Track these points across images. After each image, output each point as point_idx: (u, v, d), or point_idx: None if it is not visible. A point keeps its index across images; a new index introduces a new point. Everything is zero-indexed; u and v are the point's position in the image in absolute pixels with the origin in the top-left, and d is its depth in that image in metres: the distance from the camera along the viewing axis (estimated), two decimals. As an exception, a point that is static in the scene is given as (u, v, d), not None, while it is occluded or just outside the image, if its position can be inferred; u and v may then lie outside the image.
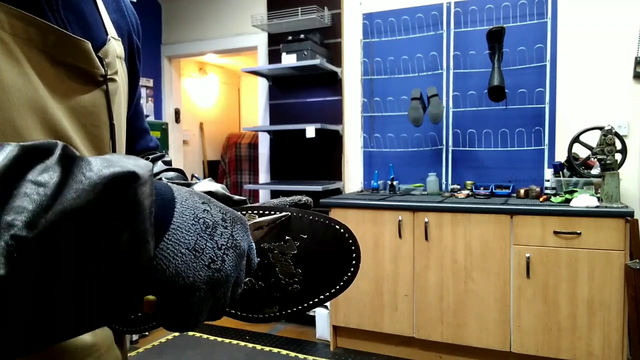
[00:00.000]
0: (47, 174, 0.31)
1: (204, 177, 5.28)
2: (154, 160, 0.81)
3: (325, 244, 0.59)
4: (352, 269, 0.59)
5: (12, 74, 0.44)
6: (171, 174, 0.79)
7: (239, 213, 0.45)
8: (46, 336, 0.33)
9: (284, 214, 0.59)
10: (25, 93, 0.45)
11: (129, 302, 0.37)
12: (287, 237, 0.59)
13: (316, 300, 0.59)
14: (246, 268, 0.45)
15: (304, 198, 0.67)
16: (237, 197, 0.68)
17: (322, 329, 3.11)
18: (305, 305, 0.59)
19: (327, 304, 2.92)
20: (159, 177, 0.77)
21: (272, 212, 0.60)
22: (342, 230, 0.59)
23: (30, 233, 0.29)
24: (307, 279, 0.59)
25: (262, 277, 0.59)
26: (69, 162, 0.32)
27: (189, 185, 0.73)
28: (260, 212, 0.60)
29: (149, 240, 0.35)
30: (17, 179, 0.30)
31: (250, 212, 0.59)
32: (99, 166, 0.33)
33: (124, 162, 0.34)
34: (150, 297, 0.37)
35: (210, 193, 0.68)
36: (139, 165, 0.35)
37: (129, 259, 0.34)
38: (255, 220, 0.57)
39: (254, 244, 0.47)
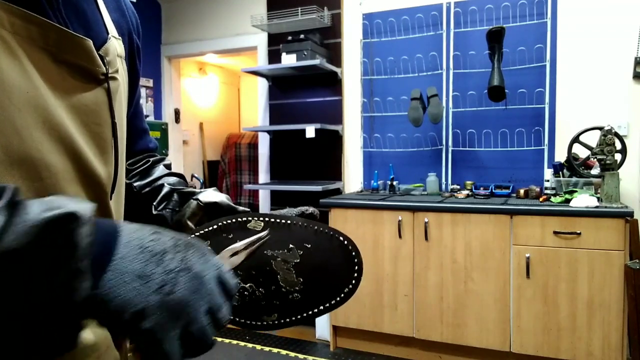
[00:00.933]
0: None
1: (204, 178, 5.29)
2: (154, 163, 0.81)
3: (328, 255, 0.59)
4: (353, 282, 0.59)
5: (13, 72, 0.44)
6: (173, 179, 0.79)
7: (196, 241, 0.45)
8: None
9: (262, 235, 0.58)
10: (26, 92, 0.45)
11: (71, 334, 0.38)
12: (290, 246, 0.59)
13: (315, 310, 0.59)
14: (224, 292, 0.44)
15: (311, 209, 0.67)
16: (241, 207, 0.68)
17: (322, 329, 3.11)
18: (305, 315, 0.59)
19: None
20: (160, 181, 0.77)
21: (279, 220, 0.59)
22: (345, 242, 0.59)
23: None
24: (307, 288, 0.59)
25: (263, 284, 0.59)
26: (13, 208, 0.34)
27: (192, 193, 0.73)
28: (266, 219, 0.60)
29: (84, 277, 0.36)
30: None
31: (255, 219, 0.60)
32: (37, 209, 0.35)
33: (65, 203, 0.36)
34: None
35: (215, 204, 0.69)
36: (79, 206, 0.36)
37: (66, 294, 0.35)
38: (229, 247, 0.56)
39: (225, 267, 0.46)
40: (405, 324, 2.73)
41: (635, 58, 2.73)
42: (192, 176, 4.44)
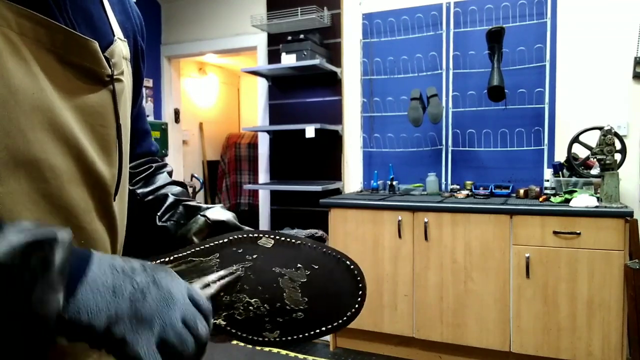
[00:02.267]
0: None
1: (204, 178, 5.29)
2: (157, 170, 0.81)
3: (334, 277, 0.61)
4: (356, 306, 0.60)
5: (19, 73, 0.44)
6: (176, 189, 0.79)
7: (163, 267, 0.47)
8: None
9: (234, 270, 0.59)
10: (31, 93, 0.45)
11: (40, 350, 0.39)
12: (299, 265, 0.60)
13: (317, 331, 0.60)
14: (198, 309, 0.46)
15: (320, 232, 0.69)
16: (247, 227, 0.69)
17: (322, 329, 3.11)
18: (306, 334, 0.60)
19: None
20: (163, 190, 0.77)
21: (289, 239, 0.61)
22: (352, 267, 0.61)
23: None
24: (311, 308, 0.60)
25: (269, 300, 0.60)
26: None
27: (199, 208, 0.73)
28: (276, 237, 0.61)
29: (58, 289, 0.38)
30: None
31: (266, 236, 0.61)
32: (16, 233, 0.36)
33: (42, 227, 0.38)
34: None
35: (221, 222, 0.69)
36: (55, 231, 0.38)
37: (40, 308, 0.36)
38: (200, 279, 0.58)
39: (195, 287, 0.48)
40: (405, 324, 2.74)
41: (635, 58, 2.73)
42: (192, 176, 4.44)
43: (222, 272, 0.59)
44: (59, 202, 0.49)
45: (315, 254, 0.61)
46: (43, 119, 0.46)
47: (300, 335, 0.60)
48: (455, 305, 2.61)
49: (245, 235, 0.61)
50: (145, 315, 0.41)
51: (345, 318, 0.60)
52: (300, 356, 2.89)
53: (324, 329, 0.60)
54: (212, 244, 0.61)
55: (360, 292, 0.61)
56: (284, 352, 2.94)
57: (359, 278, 0.61)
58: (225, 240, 0.61)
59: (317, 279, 0.60)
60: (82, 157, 0.51)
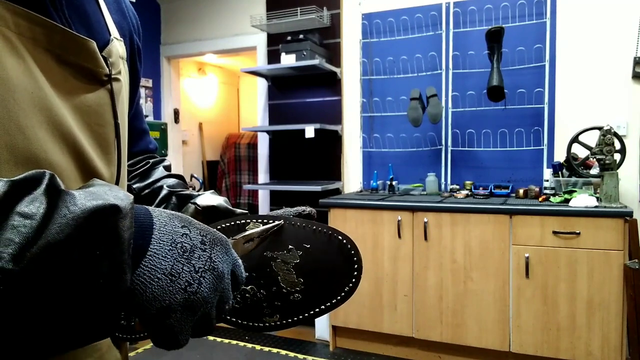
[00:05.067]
0: (33, 206, 0.34)
1: (203, 178, 5.29)
2: (154, 165, 0.81)
3: (327, 254, 0.59)
4: (353, 280, 0.59)
5: (17, 72, 0.44)
6: (172, 180, 0.79)
7: (220, 234, 0.47)
8: (37, 355, 0.37)
9: (275, 223, 0.59)
10: (30, 92, 0.45)
11: (111, 324, 0.41)
12: (290, 247, 0.59)
13: (317, 310, 0.60)
14: (233, 284, 0.47)
15: (308, 209, 0.68)
16: (239, 210, 0.69)
17: (322, 329, 3.11)
18: (306, 315, 0.60)
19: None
20: (159, 183, 0.78)
21: (271, 221, 0.60)
22: (344, 241, 0.60)
23: (17, 266, 0.32)
24: (308, 288, 0.59)
25: (264, 285, 0.59)
26: (55, 195, 0.35)
27: (190, 196, 0.73)
28: (264, 220, 0.60)
29: (126, 271, 0.38)
30: (6, 212, 0.33)
31: (253, 221, 0.60)
32: (83, 200, 0.36)
33: (107, 195, 0.37)
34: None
35: (212, 207, 0.69)
36: (120, 198, 0.38)
37: (107, 287, 0.37)
38: (244, 234, 0.57)
39: (239, 261, 0.48)
40: (404, 324, 2.74)
41: (635, 58, 2.73)
42: (192, 176, 4.43)
43: (264, 227, 0.58)
44: None
45: (305, 233, 0.60)
46: (42, 118, 0.46)
47: (301, 316, 0.60)
48: (454, 305, 2.61)
49: (232, 224, 0.61)
50: (195, 305, 0.41)
51: (343, 294, 0.59)
52: (300, 356, 2.89)
53: (323, 307, 0.59)
54: None
55: (356, 266, 0.59)
56: (283, 352, 2.94)
57: (352, 252, 0.59)
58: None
59: (311, 258, 0.59)
60: (81, 155, 0.51)
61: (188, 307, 0.41)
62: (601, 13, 2.81)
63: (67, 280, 0.35)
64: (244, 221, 0.61)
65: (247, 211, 0.67)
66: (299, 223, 0.60)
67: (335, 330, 2.99)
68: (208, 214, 0.69)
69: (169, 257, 0.41)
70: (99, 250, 0.36)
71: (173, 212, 0.45)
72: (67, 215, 0.34)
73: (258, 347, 3.03)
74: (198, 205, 0.70)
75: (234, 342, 3.10)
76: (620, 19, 2.77)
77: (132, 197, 0.40)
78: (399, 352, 2.82)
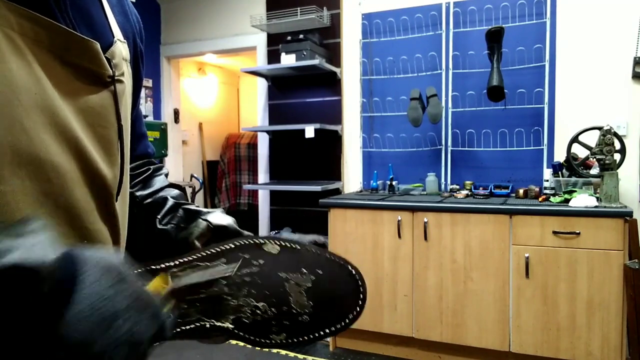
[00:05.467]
0: None
1: (203, 178, 5.28)
2: (154, 172, 0.81)
3: (337, 282, 0.64)
4: (358, 309, 0.64)
5: (21, 73, 0.44)
6: (174, 192, 0.79)
7: (152, 296, 0.44)
8: None
9: (223, 271, 0.60)
10: (34, 93, 0.45)
11: None
12: (304, 270, 0.62)
13: (322, 333, 0.63)
14: (155, 339, 0.43)
15: (322, 239, 0.74)
16: (246, 232, 0.70)
17: (322, 329, 3.11)
18: (311, 336, 0.63)
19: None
20: (162, 193, 0.78)
21: (287, 244, 0.63)
22: (354, 272, 0.65)
23: None
24: (316, 312, 0.62)
25: (275, 304, 0.62)
26: None
27: (199, 212, 0.74)
28: (282, 243, 0.63)
29: (28, 341, 0.36)
30: None
31: (272, 242, 0.63)
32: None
33: (27, 252, 0.35)
34: None
35: (222, 227, 0.71)
36: (41, 259, 0.35)
37: (11, 350, 0.35)
38: (190, 282, 0.58)
39: (167, 322, 0.45)
40: (404, 324, 2.74)
41: (635, 58, 2.73)
42: (192, 176, 4.43)
43: (211, 277, 0.60)
44: (62, 202, 0.49)
45: (320, 260, 0.63)
46: (46, 119, 0.46)
47: (306, 337, 0.62)
48: (454, 305, 2.61)
49: (251, 241, 0.63)
50: None
51: (347, 320, 0.63)
52: (300, 356, 2.89)
53: (327, 331, 0.63)
54: (218, 249, 0.62)
55: (362, 296, 0.64)
56: (283, 352, 2.94)
57: (360, 282, 0.65)
58: (232, 245, 0.62)
59: (322, 284, 0.62)
60: (84, 157, 0.51)
61: None
62: (601, 13, 2.81)
63: None
64: (263, 241, 0.63)
65: (252, 234, 0.68)
66: (314, 250, 0.63)
67: (335, 330, 2.99)
68: (217, 233, 0.71)
69: (84, 323, 0.37)
70: (4, 315, 0.34)
71: (109, 263, 0.41)
72: None
73: (263, 348, 3.03)
74: (210, 223, 0.71)
75: (234, 342, 3.10)
76: (620, 19, 2.77)
77: (56, 255, 0.37)
78: (399, 352, 2.82)
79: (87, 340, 0.37)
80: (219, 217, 0.72)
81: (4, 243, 0.35)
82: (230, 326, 0.60)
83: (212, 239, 0.71)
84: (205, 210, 0.74)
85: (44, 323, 0.36)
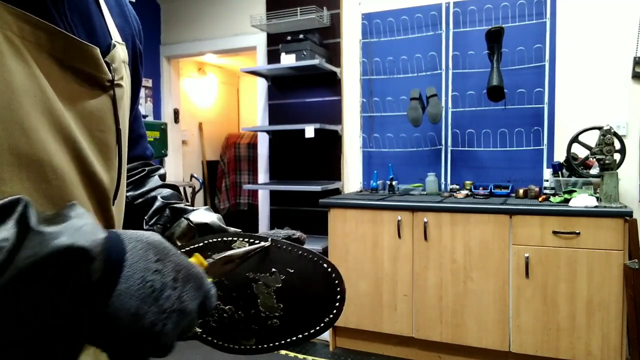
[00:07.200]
0: (3, 235, 0.34)
1: (203, 178, 5.28)
2: (149, 173, 0.80)
3: (310, 281, 0.57)
4: (335, 311, 0.57)
5: (22, 75, 0.44)
6: (166, 191, 0.78)
7: (196, 270, 0.45)
8: None
9: (260, 244, 0.57)
10: (34, 95, 0.45)
11: (70, 354, 0.41)
12: (273, 270, 0.57)
13: (294, 338, 0.58)
14: (200, 314, 0.46)
15: (298, 233, 0.65)
16: (232, 229, 0.68)
17: (322, 329, 3.11)
18: (282, 342, 0.58)
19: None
20: (153, 193, 0.77)
21: (257, 241, 0.58)
22: (329, 270, 0.57)
23: None
24: (287, 315, 0.57)
25: (243, 307, 0.58)
26: (24, 229, 0.35)
27: (184, 210, 0.72)
28: (251, 240, 0.58)
29: (83, 316, 0.38)
30: None
31: (240, 239, 0.59)
32: (49, 239, 0.36)
33: (78, 233, 0.37)
34: None
35: (205, 225, 0.68)
36: (90, 239, 0.37)
37: (68, 324, 0.38)
38: (225, 254, 0.56)
39: (212, 292, 0.47)
40: (404, 324, 2.74)
41: (634, 58, 2.73)
42: (192, 176, 4.43)
43: (248, 248, 0.57)
44: (61, 204, 0.48)
45: (291, 257, 0.58)
46: (45, 121, 0.46)
47: (277, 343, 0.58)
48: (454, 305, 2.61)
49: (219, 240, 0.59)
50: (156, 344, 0.41)
51: (322, 324, 0.57)
52: (300, 356, 2.89)
53: (300, 336, 0.58)
54: (187, 249, 0.59)
55: (339, 297, 0.57)
56: (283, 351, 2.94)
57: (337, 282, 0.57)
58: (201, 244, 0.59)
59: (293, 284, 0.57)
60: (82, 160, 0.51)
61: (149, 344, 0.41)
62: (601, 13, 2.81)
63: (23, 319, 0.35)
64: (231, 238, 0.59)
65: (240, 230, 0.65)
66: (285, 246, 0.58)
67: (335, 330, 2.99)
68: (201, 231, 0.69)
69: (135, 296, 0.39)
70: (60, 294, 0.36)
71: (151, 240, 0.43)
72: (28, 259, 0.34)
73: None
74: (191, 222, 0.69)
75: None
76: (620, 19, 2.77)
77: (104, 234, 0.39)
78: (399, 352, 2.82)
79: (139, 312, 0.40)
80: (200, 215, 0.70)
81: (54, 227, 0.37)
82: (198, 330, 0.56)
83: (196, 237, 0.69)
84: (190, 208, 0.73)
85: (97, 299, 0.38)
